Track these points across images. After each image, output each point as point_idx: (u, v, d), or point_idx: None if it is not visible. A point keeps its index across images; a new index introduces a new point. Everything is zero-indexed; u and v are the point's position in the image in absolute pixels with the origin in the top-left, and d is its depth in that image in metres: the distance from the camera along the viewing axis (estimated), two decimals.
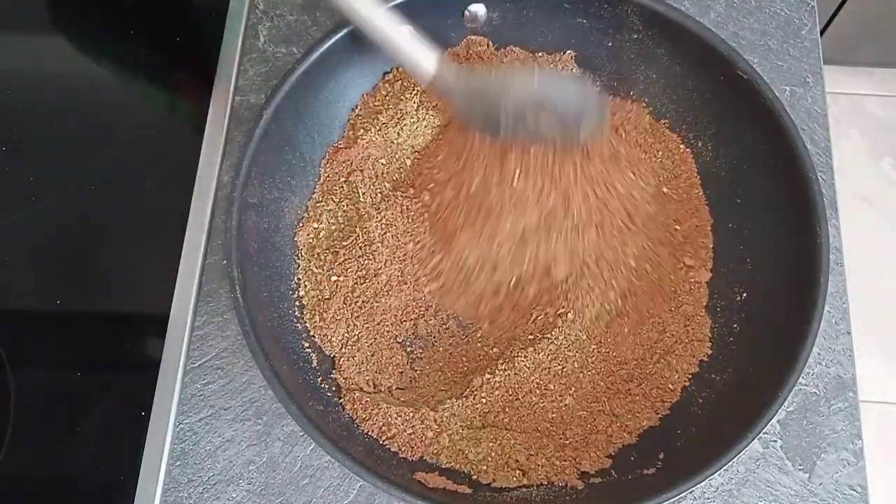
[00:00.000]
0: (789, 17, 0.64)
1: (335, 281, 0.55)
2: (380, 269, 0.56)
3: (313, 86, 0.56)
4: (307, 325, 0.55)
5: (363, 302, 0.55)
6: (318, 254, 0.56)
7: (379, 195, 0.58)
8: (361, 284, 0.56)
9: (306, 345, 0.54)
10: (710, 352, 0.54)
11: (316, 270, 0.56)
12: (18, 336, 0.57)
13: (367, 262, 0.56)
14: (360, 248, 0.56)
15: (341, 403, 0.52)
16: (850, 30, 1.26)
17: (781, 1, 0.65)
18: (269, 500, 0.52)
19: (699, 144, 0.58)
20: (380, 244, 0.56)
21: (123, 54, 0.66)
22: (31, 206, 0.60)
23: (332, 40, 0.55)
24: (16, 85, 0.65)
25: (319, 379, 0.53)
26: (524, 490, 0.50)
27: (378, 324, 0.55)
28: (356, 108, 0.59)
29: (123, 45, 0.66)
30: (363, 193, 0.57)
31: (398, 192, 0.58)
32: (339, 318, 0.55)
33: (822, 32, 0.67)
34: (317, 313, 0.55)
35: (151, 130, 0.63)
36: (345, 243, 0.56)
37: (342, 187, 0.58)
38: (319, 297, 0.55)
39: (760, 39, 0.64)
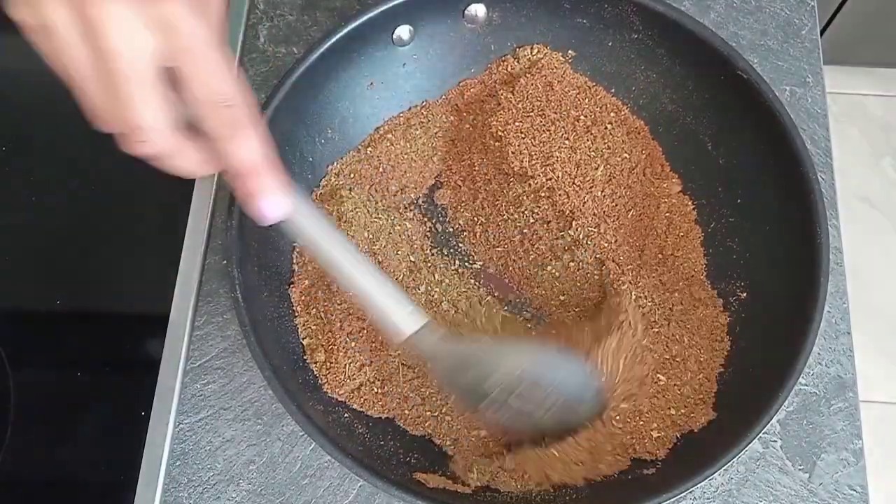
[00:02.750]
0: (789, 17, 0.64)
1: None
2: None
3: (313, 86, 0.56)
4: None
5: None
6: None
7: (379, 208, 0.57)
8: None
9: None
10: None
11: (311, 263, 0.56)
12: (18, 336, 0.57)
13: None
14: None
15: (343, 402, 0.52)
16: (850, 30, 1.26)
17: (781, 1, 0.65)
18: (269, 500, 0.52)
19: (699, 145, 0.58)
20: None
21: None
22: (31, 206, 0.60)
23: (332, 40, 0.55)
24: (16, 85, 0.65)
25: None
26: (524, 490, 0.50)
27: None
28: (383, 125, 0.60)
29: None
30: (363, 207, 0.57)
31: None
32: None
33: (822, 32, 0.67)
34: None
35: None
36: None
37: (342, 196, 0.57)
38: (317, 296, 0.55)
39: (760, 39, 0.64)
